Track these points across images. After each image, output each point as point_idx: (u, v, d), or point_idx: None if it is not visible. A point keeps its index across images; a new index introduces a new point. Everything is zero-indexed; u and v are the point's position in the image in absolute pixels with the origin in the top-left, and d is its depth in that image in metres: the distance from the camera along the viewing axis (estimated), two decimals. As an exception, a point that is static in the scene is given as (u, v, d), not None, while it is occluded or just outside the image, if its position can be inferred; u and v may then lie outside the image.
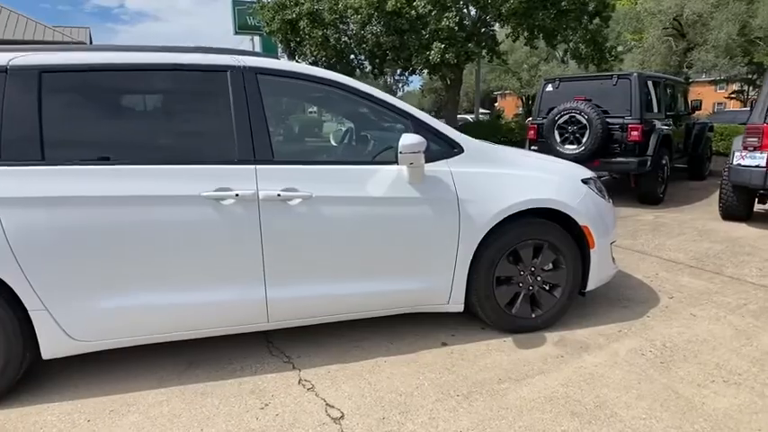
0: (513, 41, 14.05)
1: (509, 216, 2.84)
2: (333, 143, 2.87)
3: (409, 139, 2.53)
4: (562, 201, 2.93)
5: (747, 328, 3.08)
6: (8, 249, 2.19)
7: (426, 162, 2.75)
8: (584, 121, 6.55)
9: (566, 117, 6.73)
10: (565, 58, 13.99)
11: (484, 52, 13.89)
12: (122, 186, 2.34)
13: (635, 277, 4.03)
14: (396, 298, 2.82)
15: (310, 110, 3.39)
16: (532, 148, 7.44)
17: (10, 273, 2.21)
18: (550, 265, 3.04)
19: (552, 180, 3.00)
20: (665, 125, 7.19)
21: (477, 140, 3.00)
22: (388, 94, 2.84)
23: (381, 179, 2.69)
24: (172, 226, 2.40)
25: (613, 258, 3.33)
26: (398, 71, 15.20)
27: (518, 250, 2.95)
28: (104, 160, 2.36)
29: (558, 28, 10.52)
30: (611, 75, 6.93)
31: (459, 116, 25.03)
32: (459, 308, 2.92)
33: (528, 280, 3.01)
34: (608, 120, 6.59)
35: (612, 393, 2.42)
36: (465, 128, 13.96)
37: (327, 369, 2.69)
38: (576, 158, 6.57)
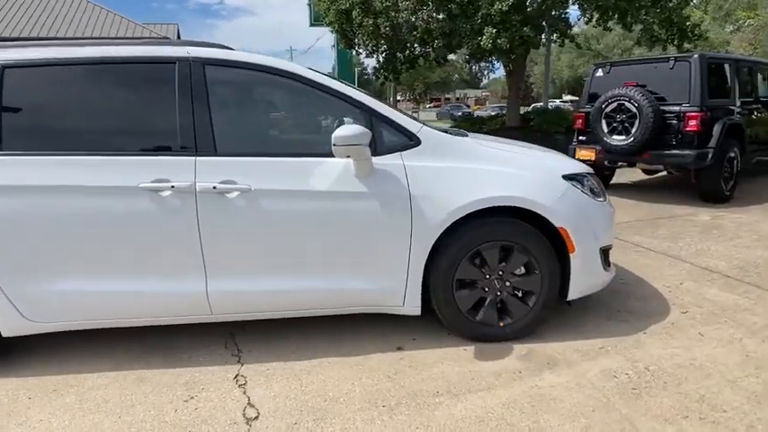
0: (586, 23, 13.10)
1: (471, 214, 2.60)
2: (280, 134, 2.78)
3: (344, 131, 2.37)
4: (531, 199, 2.63)
5: (762, 356, 2.60)
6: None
7: (379, 154, 2.59)
8: (634, 109, 5.92)
9: (613, 105, 6.11)
10: (642, 40, 12.74)
11: (555, 36, 13.08)
12: (67, 176, 2.41)
13: (652, 286, 3.57)
14: (344, 297, 2.69)
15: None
16: (580, 138, 6.89)
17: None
18: (522, 270, 2.76)
19: (521, 175, 2.70)
20: (739, 113, 6.33)
21: (437, 132, 2.77)
22: (341, 83, 2.69)
23: (326, 172, 2.56)
24: (112, 216, 2.44)
25: (608, 264, 2.96)
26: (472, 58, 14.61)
27: (482, 252, 2.69)
28: (53, 151, 2.44)
29: (629, 7, 9.59)
30: (669, 57, 6.18)
31: (537, 104, 23.85)
32: (416, 311, 2.73)
33: (495, 285, 2.74)
34: (663, 107, 5.90)
35: (555, 421, 2.13)
36: (526, 116, 13.30)
37: (269, 366, 2.62)
38: (624, 150, 6.03)
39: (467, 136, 3.03)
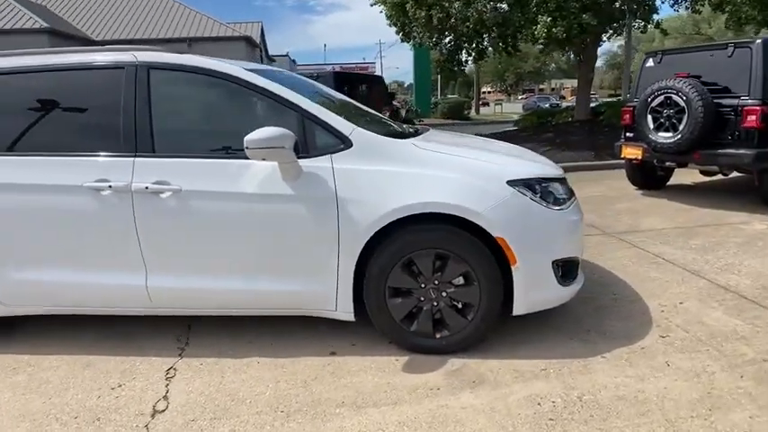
0: (672, 5, 11.94)
1: (405, 220, 2.49)
2: (215, 135, 2.81)
3: (257, 134, 2.36)
4: (462, 205, 2.46)
5: (727, 394, 2.24)
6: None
7: (310, 156, 2.56)
8: (682, 103, 5.30)
9: (660, 98, 5.52)
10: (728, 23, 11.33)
11: (637, 22, 12.06)
12: (22, 175, 2.65)
13: (646, 304, 3.21)
14: (275, 299, 2.70)
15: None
16: (627, 135, 6.31)
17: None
18: (462, 281, 2.59)
19: (456, 180, 2.53)
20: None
21: (372, 134, 2.66)
22: (279, 86, 2.67)
23: (256, 175, 2.57)
24: (62, 212, 2.64)
25: (570, 278, 2.70)
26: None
27: (414, 260, 2.57)
28: (8, 152, 2.69)
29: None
30: (727, 44, 5.44)
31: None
32: (349, 317, 2.67)
33: (431, 295, 2.61)
34: (717, 101, 5.22)
35: (443, 445, 2.00)
36: (596, 109, 12.39)
37: (203, 361, 2.71)
38: (670, 148, 5.47)
39: (427, 132, 2.91)
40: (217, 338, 2.92)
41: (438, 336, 2.64)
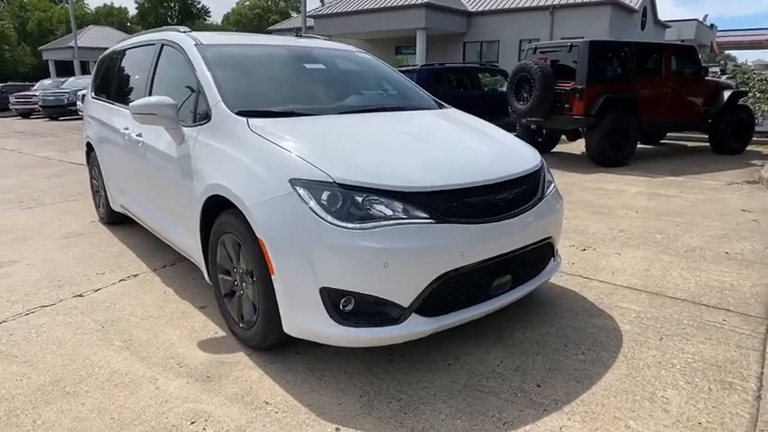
0: None
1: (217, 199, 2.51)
2: None
3: (140, 101, 2.78)
4: (237, 194, 2.28)
5: None
6: None
7: (190, 126, 2.83)
8: None
9: None
10: None
11: None
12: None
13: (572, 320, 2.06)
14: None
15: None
16: None
17: None
18: (250, 277, 2.40)
19: (244, 166, 2.35)
20: None
21: (226, 110, 2.62)
22: (201, 61, 2.93)
23: (169, 138, 2.99)
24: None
25: (347, 319, 2.12)
26: None
27: (225, 242, 2.54)
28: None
29: None
30: None
31: None
32: (207, 278, 2.85)
33: (240, 282, 2.52)
34: None
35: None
36: None
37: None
38: None
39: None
40: None
41: (241, 325, 2.55)
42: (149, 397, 2.14)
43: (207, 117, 2.72)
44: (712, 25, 35.25)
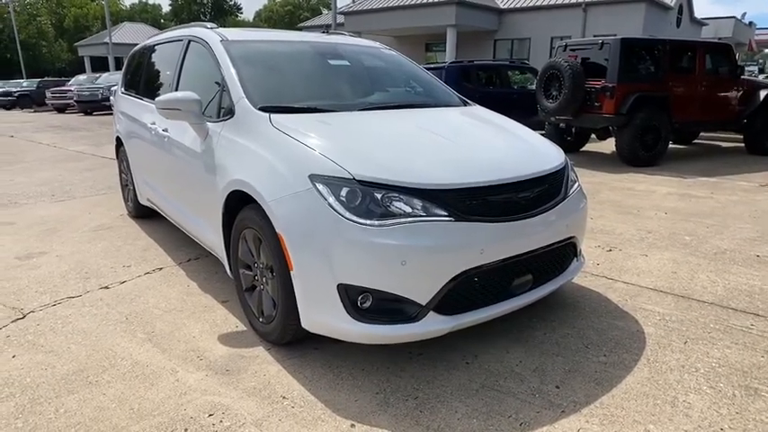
0: None
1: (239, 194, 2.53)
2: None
3: (165, 96, 2.83)
4: (257, 189, 2.31)
5: None
6: None
7: (215, 122, 2.86)
8: None
9: None
10: None
11: None
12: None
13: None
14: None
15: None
16: None
17: None
18: (270, 272, 2.42)
19: (265, 161, 2.37)
20: None
21: (250, 107, 2.64)
22: (225, 57, 2.96)
23: (194, 133, 3.04)
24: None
25: (362, 315, 2.11)
26: None
27: (246, 237, 2.56)
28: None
29: None
30: None
31: None
32: (229, 273, 2.89)
33: (260, 277, 2.55)
34: None
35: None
36: None
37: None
38: None
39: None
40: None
41: (260, 320, 2.58)
42: (169, 388, 2.19)
43: (231, 112, 2.76)
44: (751, 23, 34.02)
